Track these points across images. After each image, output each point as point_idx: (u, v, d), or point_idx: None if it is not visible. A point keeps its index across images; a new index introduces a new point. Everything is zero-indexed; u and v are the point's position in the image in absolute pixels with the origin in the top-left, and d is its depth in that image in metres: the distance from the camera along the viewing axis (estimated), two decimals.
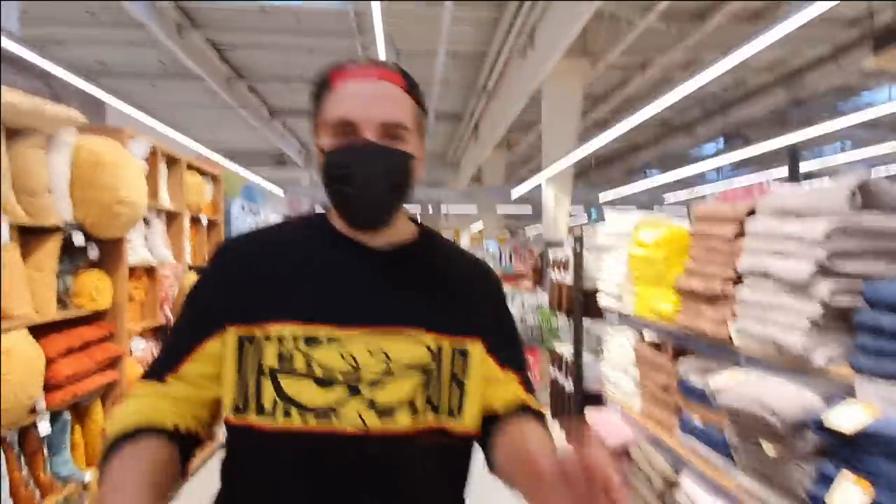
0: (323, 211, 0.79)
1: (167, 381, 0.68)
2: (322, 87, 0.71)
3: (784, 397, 1.13)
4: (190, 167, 3.24)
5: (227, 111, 8.03)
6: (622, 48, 5.73)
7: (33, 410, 1.90)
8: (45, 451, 2.02)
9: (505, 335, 0.78)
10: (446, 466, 0.72)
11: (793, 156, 6.87)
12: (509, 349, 0.76)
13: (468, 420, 0.71)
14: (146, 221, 2.78)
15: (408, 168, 0.71)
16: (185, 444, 0.67)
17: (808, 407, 1.08)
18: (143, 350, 2.68)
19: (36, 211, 1.99)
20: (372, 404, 0.65)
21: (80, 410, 2.29)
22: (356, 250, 0.73)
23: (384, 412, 0.66)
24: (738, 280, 1.36)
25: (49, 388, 1.96)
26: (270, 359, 0.66)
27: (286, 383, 0.65)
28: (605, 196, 11.21)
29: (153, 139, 2.74)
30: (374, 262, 0.72)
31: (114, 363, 2.37)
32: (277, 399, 0.65)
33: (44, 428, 1.95)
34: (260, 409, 0.65)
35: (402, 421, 0.66)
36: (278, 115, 9.11)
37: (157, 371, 0.70)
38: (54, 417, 2.03)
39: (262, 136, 9.48)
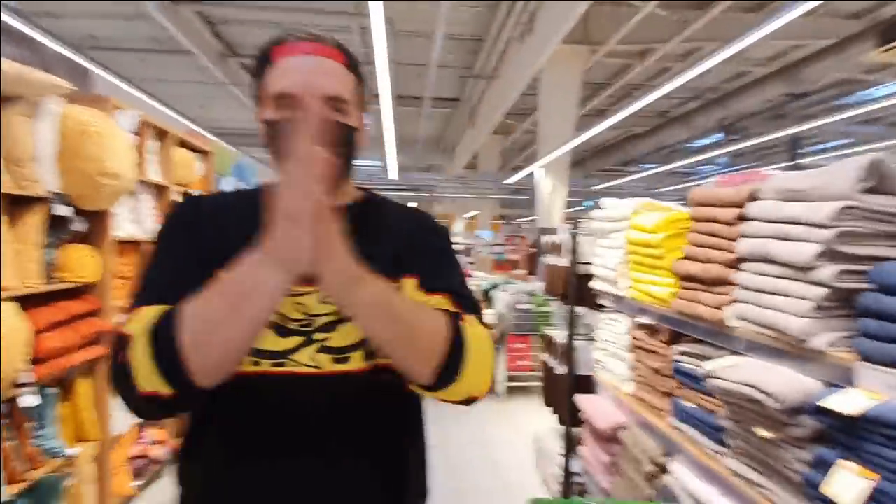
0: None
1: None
2: (264, 61, 0.73)
3: (782, 380, 1.11)
4: (180, 142, 3.16)
5: (219, 88, 7.88)
6: (622, 35, 5.66)
7: (20, 384, 1.86)
8: (32, 424, 1.99)
9: (436, 267, 0.78)
10: (401, 402, 0.75)
11: (793, 146, 6.87)
12: (440, 277, 0.77)
13: None
14: (134, 195, 2.71)
15: (351, 140, 0.74)
16: None
17: (806, 391, 1.07)
18: None
19: (21, 180, 1.93)
20: (324, 348, 0.70)
21: (65, 386, 2.25)
22: None
23: (337, 354, 0.70)
24: (737, 264, 1.34)
25: (35, 361, 1.92)
26: None
27: None
28: (600, 187, 11.20)
29: (142, 112, 2.66)
30: None
31: (99, 338, 2.33)
32: None
33: (30, 401, 1.91)
34: None
35: (355, 362, 0.71)
36: None
37: (168, 301, 0.65)
38: (40, 391, 1.99)
39: (253, 116, 9.31)
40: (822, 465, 1.03)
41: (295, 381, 0.69)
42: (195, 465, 0.74)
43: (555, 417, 3.01)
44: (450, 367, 0.65)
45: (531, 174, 7.69)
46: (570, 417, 2.57)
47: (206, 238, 0.73)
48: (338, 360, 0.70)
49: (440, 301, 0.72)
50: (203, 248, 0.71)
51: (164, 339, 0.58)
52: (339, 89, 0.71)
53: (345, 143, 0.72)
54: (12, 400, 1.88)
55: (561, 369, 2.93)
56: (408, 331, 0.63)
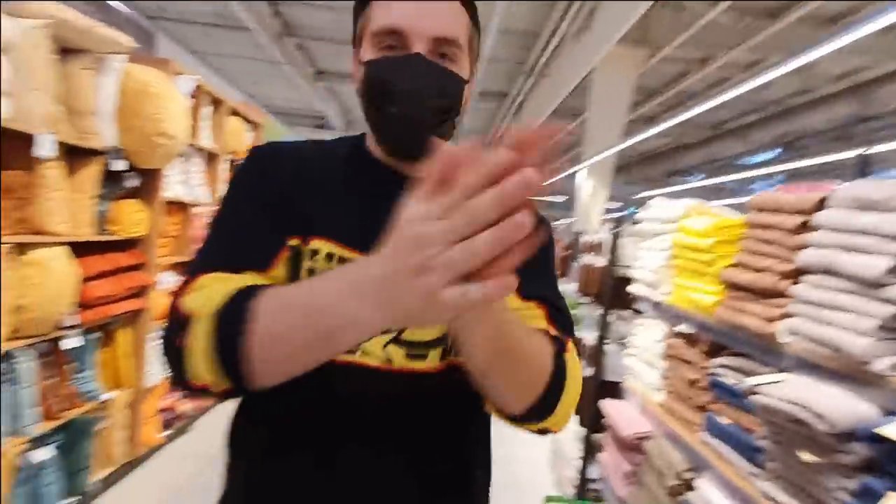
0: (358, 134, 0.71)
1: (247, 275, 0.57)
2: None
3: (834, 402, 1.04)
4: (233, 112, 3.24)
5: (273, 67, 8.04)
6: (683, 39, 5.46)
7: (64, 326, 1.95)
8: (72, 366, 2.08)
9: (535, 271, 0.65)
10: (472, 408, 0.65)
11: (863, 167, 6.44)
12: (536, 283, 0.66)
13: None
14: (185, 158, 2.79)
15: (459, 92, 0.62)
16: None
17: (861, 415, 1.00)
18: (171, 284, 2.73)
19: (81, 132, 2.01)
20: (399, 341, 0.61)
21: (106, 333, 2.35)
22: (393, 181, 0.64)
23: (412, 349, 0.62)
24: (794, 276, 1.26)
25: (80, 306, 2.01)
26: (304, 276, 0.61)
27: None
28: (642, 195, 10.90)
29: (199, 78, 2.73)
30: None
31: (141, 292, 2.42)
32: None
33: (72, 342, 2.00)
34: None
35: (431, 359, 0.62)
36: (324, 77, 9.10)
37: (239, 264, 0.57)
38: (83, 335, 2.08)
39: (305, 97, 9.49)
40: (868, 496, 0.96)
41: (363, 373, 0.60)
42: (244, 444, 0.66)
43: (575, 419, 2.95)
44: (545, 404, 0.56)
45: (571, 176, 7.54)
46: (592, 421, 2.51)
47: (284, 191, 0.63)
48: (412, 356, 0.62)
49: (536, 314, 0.63)
50: (280, 203, 0.62)
51: (228, 338, 0.48)
52: (454, 30, 0.60)
53: (452, 93, 0.61)
54: (55, 340, 1.98)
55: (588, 371, 2.86)
56: (514, 364, 0.53)
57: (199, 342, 0.49)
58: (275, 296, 0.49)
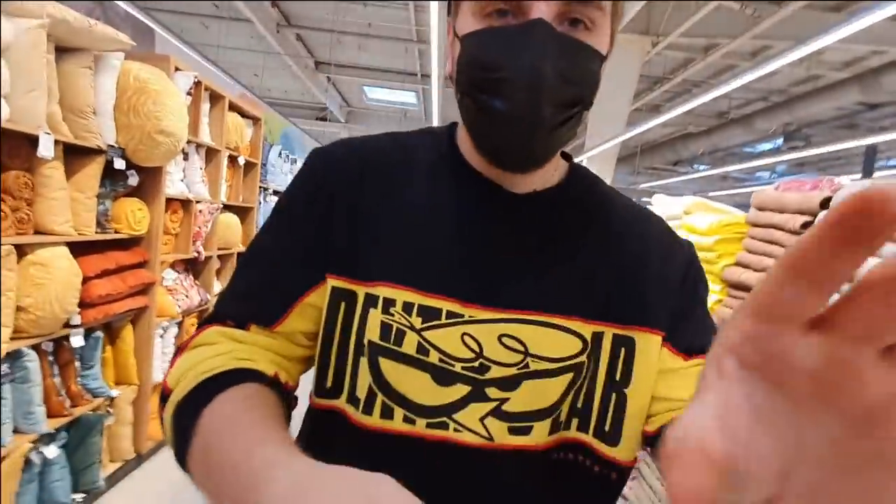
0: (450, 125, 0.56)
1: (252, 330, 0.49)
2: None
3: None
4: (232, 107, 3.22)
5: (273, 58, 8.00)
6: (687, 27, 5.39)
7: (68, 324, 1.97)
8: (77, 364, 2.10)
9: (693, 318, 0.52)
10: (591, 491, 0.51)
11: (870, 156, 6.37)
12: (698, 334, 0.51)
13: (623, 443, 0.49)
14: (185, 155, 2.79)
15: (596, 74, 0.46)
16: (286, 400, 0.48)
17: None
18: (174, 281, 2.74)
19: (80, 131, 2.00)
20: (500, 411, 0.48)
21: (111, 331, 2.36)
22: (494, 196, 0.51)
23: (515, 421, 0.48)
24: None
25: (83, 305, 2.02)
26: (372, 331, 0.48)
27: (388, 368, 0.48)
28: (645, 185, 10.85)
29: (197, 74, 2.72)
30: (519, 215, 0.51)
31: (145, 290, 2.43)
32: (375, 388, 0.48)
33: (77, 341, 2.02)
34: (352, 397, 0.49)
35: (538, 434, 0.49)
36: (324, 68, 9.04)
37: (241, 319, 0.50)
38: (87, 334, 2.10)
39: (305, 88, 9.45)
40: None
41: (457, 451, 0.48)
42: None
43: None
44: None
45: None
46: None
47: (340, 210, 0.50)
48: (515, 431, 0.48)
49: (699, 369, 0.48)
50: (333, 226, 0.49)
51: (178, 443, 0.41)
52: None
53: (587, 76, 0.45)
54: (60, 340, 1.99)
55: None
56: None
57: (165, 428, 0.44)
58: (218, 421, 0.39)
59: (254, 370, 0.45)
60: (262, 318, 0.49)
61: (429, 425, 0.48)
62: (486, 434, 0.48)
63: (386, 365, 0.48)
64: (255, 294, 0.51)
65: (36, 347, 1.86)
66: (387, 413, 0.48)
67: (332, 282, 0.49)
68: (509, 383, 0.48)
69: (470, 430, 0.48)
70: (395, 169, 0.52)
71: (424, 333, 0.47)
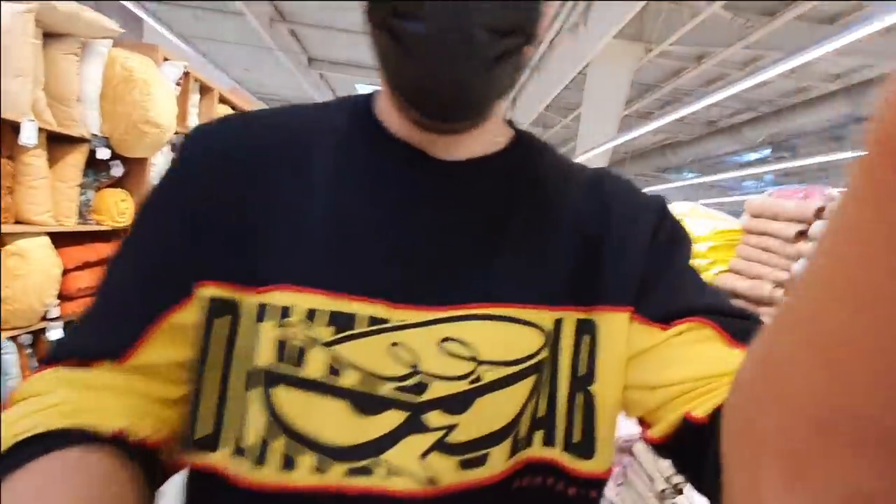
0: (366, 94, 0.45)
1: (102, 368, 0.37)
2: None
3: None
4: (223, 101, 3.17)
5: (265, 52, 7.92)
6: (680, 35, 5.44)
7: (46, 317, 1.91)
8: None
9: (668, 278, 0.41)
10: None
11: None
12: (678, 294, 0.40)
13: (598, 453, 0.40)
14: (173, 146, 2.73)
15: (536, 12, 0.36)
16: (145, 460, 0.36)
17: None
18: None
19: (64, 119, 1.95)
20: (444, 444, 0.37)
21: None
22: (422, 166, 0.41)
23: (467, 452, 0.37)
24: (788, 285, 1.26)
25: (63, 297, 1.97)
26: (265, 352, 0.36)
27: (288, 400, 0.36)
28: None
29: (187, 64, 2.67)
30: (452, 188, 0.41)
31: None
32: (270, 430, 0.36)
33: (55, 334, 1.96)
34: (238, 448, 0.36)
35: (496, 462, 0.38)
36: (316, 65, 8.98)
37: (87, 352, 0.37)
38: (66, 327, 2.04)
39: (297, 84, 9.38)
40: None
41: None
42: None
43: None
44: None
45: None
46: None
47: (226, 199, 0.39)
48: (467, 465, 0.37)
49: (703, 336, 0.37)
50: (214, 223, 0.39)
51: None
52: None
53: (525, 12, 0.35)
54: (39, 332, 1.93)
55: None
56: None
57: None
58: (24, 476, 0.30)
59: (83, 430, 0.33)
60: (110, 351, 0.37)
61: (349, 473, 0.35)
62: (427, 476, 0.36)
63: (284, 396, 0.36)
64: (100, 320, 0.39)
65: (14, 339, 1.81)
66: (288, 463, 0.36)
67: (207, 290, 0.37)
68: (457, 403, 0.37)
69: (406, 474, 0.36)
70: (295, 147, 0.41)
71: (336, 348, 0.36)
